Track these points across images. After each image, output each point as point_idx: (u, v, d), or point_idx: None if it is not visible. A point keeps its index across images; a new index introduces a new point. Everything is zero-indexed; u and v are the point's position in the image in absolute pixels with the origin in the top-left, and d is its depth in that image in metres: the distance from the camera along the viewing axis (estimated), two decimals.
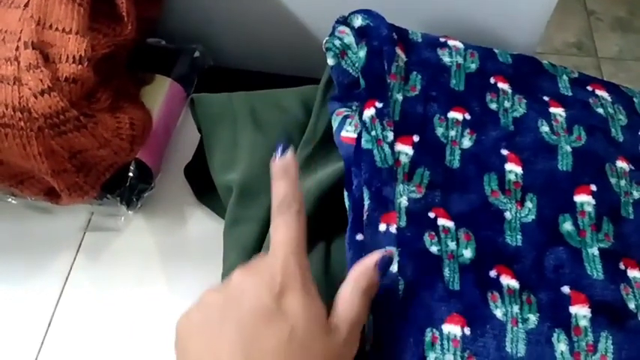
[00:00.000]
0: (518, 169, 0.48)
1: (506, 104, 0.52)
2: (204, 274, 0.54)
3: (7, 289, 0.54)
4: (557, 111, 0.52)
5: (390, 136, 0.48)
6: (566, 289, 0.43)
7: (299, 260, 0.37)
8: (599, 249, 0.45)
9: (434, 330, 0.41)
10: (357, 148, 0.48)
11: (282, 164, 0.40)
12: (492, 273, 0.43)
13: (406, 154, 0.47)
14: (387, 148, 0.47)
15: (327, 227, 0.49)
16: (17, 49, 0.46)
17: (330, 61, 0.52)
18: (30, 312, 0.53)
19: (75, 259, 0.56)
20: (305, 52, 0.68)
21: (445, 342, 0.41)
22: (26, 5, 0.49)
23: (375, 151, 0.47)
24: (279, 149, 0.41)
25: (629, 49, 1.90)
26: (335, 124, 0.50)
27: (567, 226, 0.46)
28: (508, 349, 0.41)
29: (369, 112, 0.48)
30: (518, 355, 0.41)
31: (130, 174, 0.55)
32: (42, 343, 0.51)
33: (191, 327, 0.37)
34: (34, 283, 0.54)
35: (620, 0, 2.01)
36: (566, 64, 0.59)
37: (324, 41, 0.52)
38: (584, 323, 0.42)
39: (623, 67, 1.86)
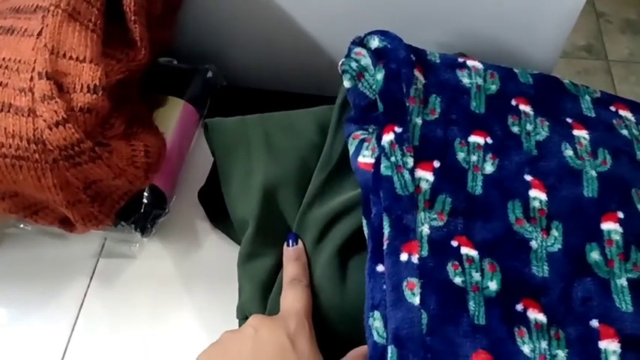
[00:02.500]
0: (543, 196, 0.47)
1: (529, 127, 0.51)
2: (220, 298, 0.54)
3: (22, 316, 0.54)
4: (581, 134, 0.51)
5: (410, 162, 0.46)
6: (594, 323, 0.42)
7: (307, 322, 0.45)
8: (628, 279, 0.44)
9: None
10: (375, 174, 0.47)
11: (295, 252, 0.49)
12: (519, 307, 0.42)
13: (427, 181, 0.46)
14: (407, 174, 0.46)
15: (344, 252, 0.49)
16: (31, 79, 0.46)
17: (347, 84, 0.51)
18: (45, 340, 0.52)
19: (89, 285, 0.55)
20: (318, 70, 0.67)
21: None
22: (39, 34, 0.48)
23: (395, 178, 0.46)
24: (291, 240, 0.50)
25: None
26: (352, 149, 0.49)
27: (595, 255, 0.45)
28: None
29: (388, 137, 0.47)
30: None
31: (145, 200, 0.54)
32: None
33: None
34: (49, 310, 0.54)
35: (630, 2, 1.99)
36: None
37: (340, 63, 0.51)
38: (614, 359, 0.41)
39: (633, 70, 1.84)
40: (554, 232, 0.46)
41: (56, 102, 0.45)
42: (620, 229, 0.46)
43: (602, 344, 0.42)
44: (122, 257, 0.56)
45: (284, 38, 0.67)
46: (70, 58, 0.47)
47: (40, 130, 0.45)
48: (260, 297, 0.49)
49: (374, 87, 0.50)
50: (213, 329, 0.52)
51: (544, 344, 0.41)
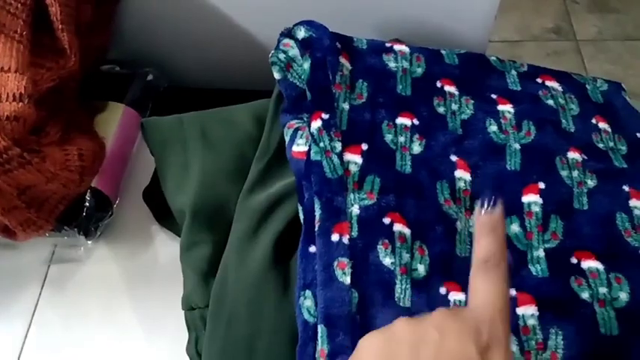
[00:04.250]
0: (467, 176, 0.48)
1: (454, 107, 0.52)
2: (171, 297, 0.54)
3: None
4: (506, 108, 0.52)
5: (338, 146, 0.47)
6: (512, 292, 0.43)
7: (505, 319, 0.35)
8: (545, 249, 0.45)
9: None
10: (307, 162, 0.48)
11: (490, 220, 0.36)
12: (442, 290, 0.43)
13: (355, 163, 0.47)
14: (335, 158, 0.47)
15: (285, 241, 0.49)
16: None
17: (277, 75, 0.52)
18: None
19: (40, 293, 0.56)
20: (258, 66, 0.68)
21: None
22: None
23: (324, 163, 0.47)
24: (486, 202, 0.37)
25: (608, 29, 1.89)
26: (287, 138, 0.50)
27: (515, 227, 0.46)
28: None
29: (316, 124, 0.48)
30: None
31: (87, 204, 0.55)
32: None
33: (373, 354, 0.34)
34: (1, 320, 0.54)
35: None
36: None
37: (270, 55, 0.52)
38: (532, 322, 0.42)
39: (603, 48, 1.85)
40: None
41: None
42: (540, 201, 0.47)
43: (520, 310, 0.43)
44: (70, 262, 0.57)
45: (222, 36, 0.68)
46: None
47: None
48: (202, 286, 0.50)
49: (302, 77, 0.51)
50: (164, 328, 0.53)
51: None
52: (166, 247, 0.58)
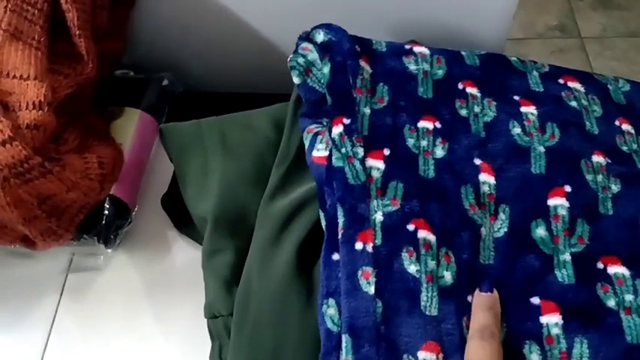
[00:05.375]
0: (492, 180, 0.47)
1: (476, 109, 0.51)
2: (190, 304, 0.54)
3: None
4: (529, 110, 0.51)
5: (361, 152, 0.47)
6: (535, 300, 0.42)
7: None
8: (572, 254, 0.44)
9: (410, 357, 0.40)
10: (328, 166, 0.47)
11: (490, 300, 0.42)
12: (469, 298, 0.43)
13: (378, 169, 0.46)
14: (358, 164, 0.46)
15: (308, 248, 0.48)
16: None
17: (296, 80, 0.51)
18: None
19: (59, 302, 0.55)
20: (274, 69, 0.67)
21: None
22: None
23: (347, 169, 0.46)
24: (485, 287, 0.43)
25: (612, 25, 1.89)
26: (307, 143, 0.50)
27: (540, 231, 0.45)
28: None
29: (337, 130, 0.47)
30: None
31: (106, 212, 0.54)
32: None
33: None
34: (20, 331, 0.54)
35: None
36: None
37: (288, 59, 0.52)
38: (556, 331, 0.41)
39: (608, 45, 1.85)
40: (502, 216, 0.46)
41: (1, 121, 0.45)
42: (567, 204, 0.46)
43: (544, 319, 0.42)
44: (89, 270, 0.56)
45: (238, 39, 0.68)
46: (14, 77, 0.48)
47: None
48: (225, 293, 0.49)
49: (322, 81, 0.50)
50: (184, 336, 0.53)
51: None
52: (185, 254, 0.57)
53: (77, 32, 0.53)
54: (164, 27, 0.67)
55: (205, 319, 0.51)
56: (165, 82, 0.65)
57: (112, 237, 0.55)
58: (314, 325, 0.44)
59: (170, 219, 0.58)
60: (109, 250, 0.56)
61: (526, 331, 0.41)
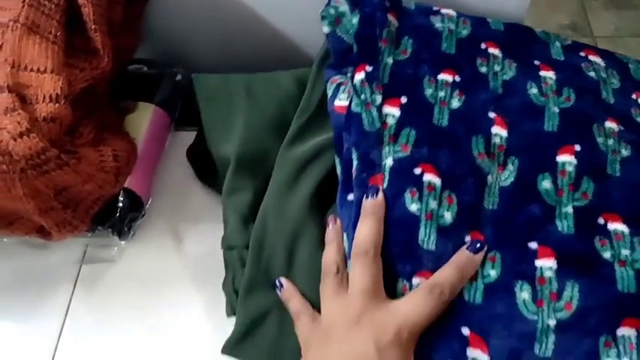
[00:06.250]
0: (504, 132, 0.49)
1: (496, 68, 0.52)
2: (203, 294, 0.55)
3: (7, 328, 0.55)
4: (548, 74, 0.53)
5: (379, 99, 0.49)
6: (533, 245, 0.45)
7: (375, 298, 0.42)
8: (574, 207, 0.46)
9: (404, 281, 0.43)
10: (347, 113, 0.49)
11: (373, 204, 0.45)
12: (467, 238, 0.45)
13: (393, 116, 0.49)
14: (374, 111, 0.48)
15: (322, 192, 0.52)
16: None
17: (326, 29, 0.53)
18: (32, 350, 0.53)
19: (73, 292, 0.56)
20: (286, 63, 0.68)
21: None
22: (0, 48, 0.49)
23: (364, 115, 0.48)
24: (371, 191, 0.46)
25: (625, 25, 1.88)
26: (329, 93, 0.52)
27: (546, 184, 0.47)
28: (466, 298, 0.43)
29: (359, 76, 0.50)
30: (476, 302, 0.43)
31: (120, 204, 0.55)
32: None
33: None
34: (34, 321, 0.55)
35: None
36: None
37: (321, 11, 0.54)
38: (549, 274, 0.43)
39: (620, 45, 1.84)
40: (510, 167, 0.48)
41: (19, 114, 0.46)
42: (575, 161, 0.48)
43: (539, 262, 0.44)
44: (103, 262, 0.57)
45: (249, 34, 0.68)
46: (32, 70, 0.48)
47: (5, 142, 0.46)
48: (242, 227, 0.53)
49: (350, 31, 0.53)
50: (195, 327, 0.53)
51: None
52: (197, 248, 0.58)
53: (93, 27, 0.53)
54: (177, 23, 0.68)
55: (213, 317, 0.53)
56: (178, 77, 0.66)
57: (125, 229, 0.56)
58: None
59: (193, 169, 0.61)
60: (123, 242, 0.57)
61: (520, 272, 0.44)
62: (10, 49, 0.49)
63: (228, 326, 0.50)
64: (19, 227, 0.52)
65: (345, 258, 0.46)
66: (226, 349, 0.49)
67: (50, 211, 0.49)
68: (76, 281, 0.57)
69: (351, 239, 0.45)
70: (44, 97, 0.48)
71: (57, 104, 0.48)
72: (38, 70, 0.49)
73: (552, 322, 0.42)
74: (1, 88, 0.47)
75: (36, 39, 0.50)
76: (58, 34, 0.51)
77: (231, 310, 0.51)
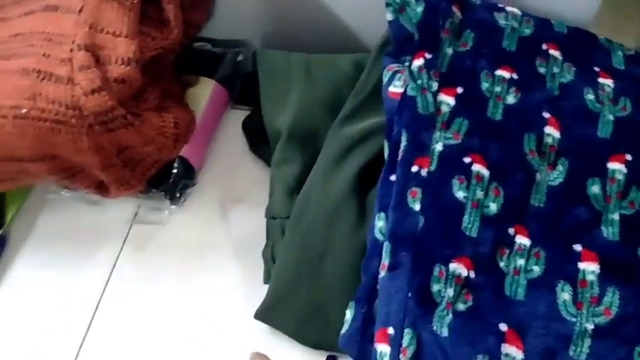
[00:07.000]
0: (556, 133, 0.50)
1: (555, 69, 0.53)
2: (240, 268, 0.57)
3: (58, 276, 0.58)
4: (606, 82, 0.53)
5: (435, 86, 0.50)
6: (578, 247, 0.45)
7: None
8: (621, 215, 0.46)
9: (442, 266, 0.44)
10: (402, 96, 0.50)
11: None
12: (511, 230, 0.46)
13: (448, 104, 0.50)
14: (430, 96, 0.50)
15: (367, 173, 0.53)
16: (71, 51, 0.50)
17: (389, 16, 0.54)
18: (78, 298, 0.56)
19: (121, 249, 0.59)
20: (344, 50, 0.69)
21: (450, 278, 0.44)
22: (80, 11, 0.52)
23: (419, 99, 0.49)
24: None
25: None
26: (385, 79, 0.53)
27: (595, 189, 0.47)
28: (507, 293, 0.44)
29: (417, 62, 0.51)
30: (517, 298, 0.44)
31: (174, 170, 0.58)
32: (88, 326, 0.55)
33: None
34: (83, 271, 0.58)
35: None
36: None
37: None
38: (591, 278, 0.44)
39: None
40: (560, 168, 0.48)
41: (93, 72, 0.49)
42: (625, 170, 0.48)
43: (582, 265, 0.45)
44: (152, 224, 0.60)
45: (316, 22, 0.69)
46: (107, 33, 0.51)
47: (78, 97, 0.48)
48: (286, 198, 0.55)
49: (413, 20, 0.53)
50: (233, 291, 0.56)
51: (521, 261, 0.45)
52: (242, 221, 0.60)
53: None
54: (243, 5, 0.69)
55: (250, 283, 0.55)
56: (240, 58, 0.68)
57: (177, 195, 0.58)
58: (360, 242, 0.50)
59: (246, 139, 0.64)
60: (173, 207, 0.59)
61: (563, 272, 0.44)
62: (90, 11, 0.52)
63: (264, 293, 0.52)
64: (80, 180, 0.54)
65: None
66: (258, 315, 0.51)
67: (111, 167, 0.52)
68: (126, 239, 0.60)
69: (389, 219, 0.46)
70: (117, 60, 0.50)
71: (128, 67, 0.50)
72: (114, 33, 0.51)
73: (590, 327, 0.42)
74: (78, 46, 0.50)
75: (114, 4, 0.53)
76: (134, 1, 0.54)
77: (267, 277, 0.54)
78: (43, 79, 0.49)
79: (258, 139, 0.63)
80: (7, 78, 0.50)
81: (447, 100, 0.50)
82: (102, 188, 0.55)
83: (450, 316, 0.43)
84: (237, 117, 0.66)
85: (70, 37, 0.51)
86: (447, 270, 0.44)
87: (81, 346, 0.54)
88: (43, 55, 0.50)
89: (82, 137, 0.49)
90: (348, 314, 0.47)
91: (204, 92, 0.64)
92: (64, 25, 0.52)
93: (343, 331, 0.47)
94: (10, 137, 0.50)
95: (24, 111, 0.49)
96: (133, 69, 0.50)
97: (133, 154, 0.53)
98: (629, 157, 0.48)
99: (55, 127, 0.49)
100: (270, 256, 0.54)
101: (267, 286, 0.53)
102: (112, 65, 0.50)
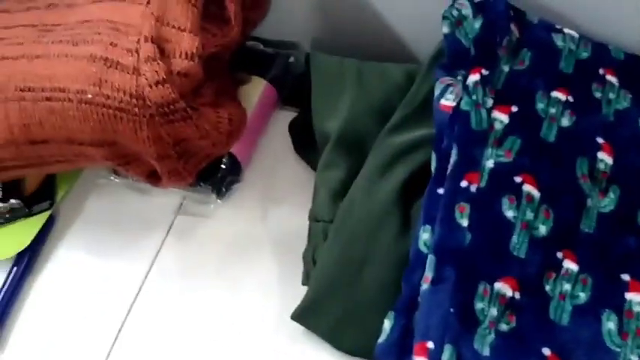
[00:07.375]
0: (609, 160, 0.50)
1: (611, 96, 0.53)
2: (280, 267, 0.58)
3: (100, 262, 0.59)
4: None
5: (490, 102, 0.50)
6: (626, 277, 0.45)
7: None
8: None
9: (486, 285, 0.44)
10: (454, 110, 0.51)
11: None
12: (559, 254, 0.46)
13: (501, 122, 0.50)
14: (484, 112, 0.50)
15: (413, 184, 0.53)
16: (138, 42, 0.51)
17: (445, 29, 0.54)
18: (118, 286, 0.57)
19: (165, 239, 0.60)
20: (395, 60, 0.69)
21: (495, 297, 0.44)
22: (148, 3, 0.53)
23: (472, 114, 0.50)
24: None
25: None
26: (437, 91, 0.54)
27: None
28: (551, 317, 0.44)
29: (473, 78, 0.51)
30: (562, 323, 0.43)
31: (223, 165, 0.59)
32: (127, 313, 0.56)
33: None
34: (125, 259, 0.59)
35: None
36: None
37: (443, 11, 0.55)
38: (637, 309, 0.44)
39: None
40: (611, 195, 0.48)
41: (158, 64, 0.50)
42: None
43: (629, 295, 0.45)
44: (197, 216, 0.61)
45: (371, 31, 0.70)
46: (173, 26, 0.52)
47: (142, 87, 0.50)
48: (331, 202, 0.55)
49: (470, 35, 0.54)
50: (271, 290, 0.56)
51: (567, 286, 0.45)
52: (285, 221, 0.60)
53: None
54: (301, 7, 0.70)
55: (289, 283, 0.55)
56: (291, 59, 0.69)
57: (223, 189, 0.59)
58: (402, 253, 0.50)
59: (292, 141, 0.65)
60: (219, 201, 0.60)
61: (609, 301, 0.44)
62: (157, 4, 0.53)
63: (299, 294, 0.53)
64: (134, 167, 0.55)
65: None
66: (295, 316, 0.52)
67: (166, 158, 0.53)
68: (169, 229, 0.61)
69: (435, 233, 0.47)
70: (181, 53, 0.51)
71: (191, 62, 0.51)
72: (179, 27, 0.52)
73: (635, 358, 0.42)
74: (145, 38, 0.51)
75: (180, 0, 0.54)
76: None
77: (306, 279, 0.54)
78: (109, 67, 0.50)
79: (304, 141, 0.63)
80: (75, 63, 0.51)
81: (501, 118, 0.50)
82: (153, 177, 0.57)
83: (493, 335, 0.43)
84: (284, 118, 0.67)
85: (136, 28, 0.52)
86: (492, 289, 0.44)
87: (117, 334, 0.55)
88: (110, 43, 0.52)
89: (142, 126, 0.50)
90: (387, 324, 0.47)
91: (255, 91, 0.65)
92: (131, 15, 0.53)
93: (381, 340, 0.47)
94: (73, 121, 0.51)
95: (89, 96, 0.50)
96: (195, 64, 0.51)
97: (189, 146, 0.54)
98: None
99: (117, 114, 0.50)
100: (311, 259, 0.54)
101: (303, 288, 0.53)
102: (176, 59, 0.51)
